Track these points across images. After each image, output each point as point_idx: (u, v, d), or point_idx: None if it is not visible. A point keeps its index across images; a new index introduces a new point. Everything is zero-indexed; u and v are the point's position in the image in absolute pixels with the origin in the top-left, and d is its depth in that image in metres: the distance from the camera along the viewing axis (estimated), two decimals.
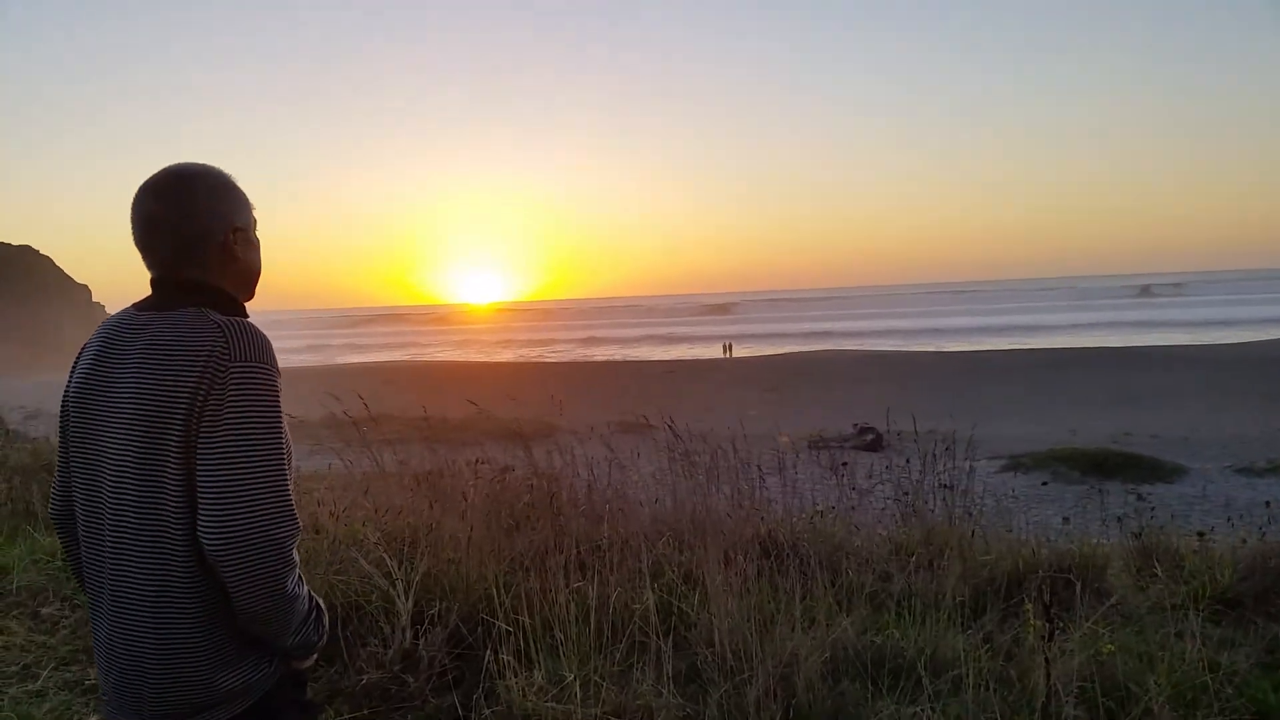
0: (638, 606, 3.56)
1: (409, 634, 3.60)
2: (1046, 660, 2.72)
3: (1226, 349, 35.07)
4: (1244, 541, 4.66)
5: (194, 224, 1.62)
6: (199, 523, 1.48)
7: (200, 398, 1.48)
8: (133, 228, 1.63)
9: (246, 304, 1.74)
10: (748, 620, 3.42)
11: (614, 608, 3.49)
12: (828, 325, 73.28)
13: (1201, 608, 3.58)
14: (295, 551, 1.56)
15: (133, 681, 1.55)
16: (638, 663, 3.31)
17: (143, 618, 1.54)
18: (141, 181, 1.63)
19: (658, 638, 3.33)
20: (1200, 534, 4.99)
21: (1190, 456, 13.66)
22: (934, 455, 5.42)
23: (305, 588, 1.64)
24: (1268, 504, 5.36)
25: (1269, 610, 3.81)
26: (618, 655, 3.34)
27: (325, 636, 1.73)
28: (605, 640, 3.39)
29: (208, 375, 1.49)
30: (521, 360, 51.03)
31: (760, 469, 4.89)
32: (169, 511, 1.50)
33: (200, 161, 1.68)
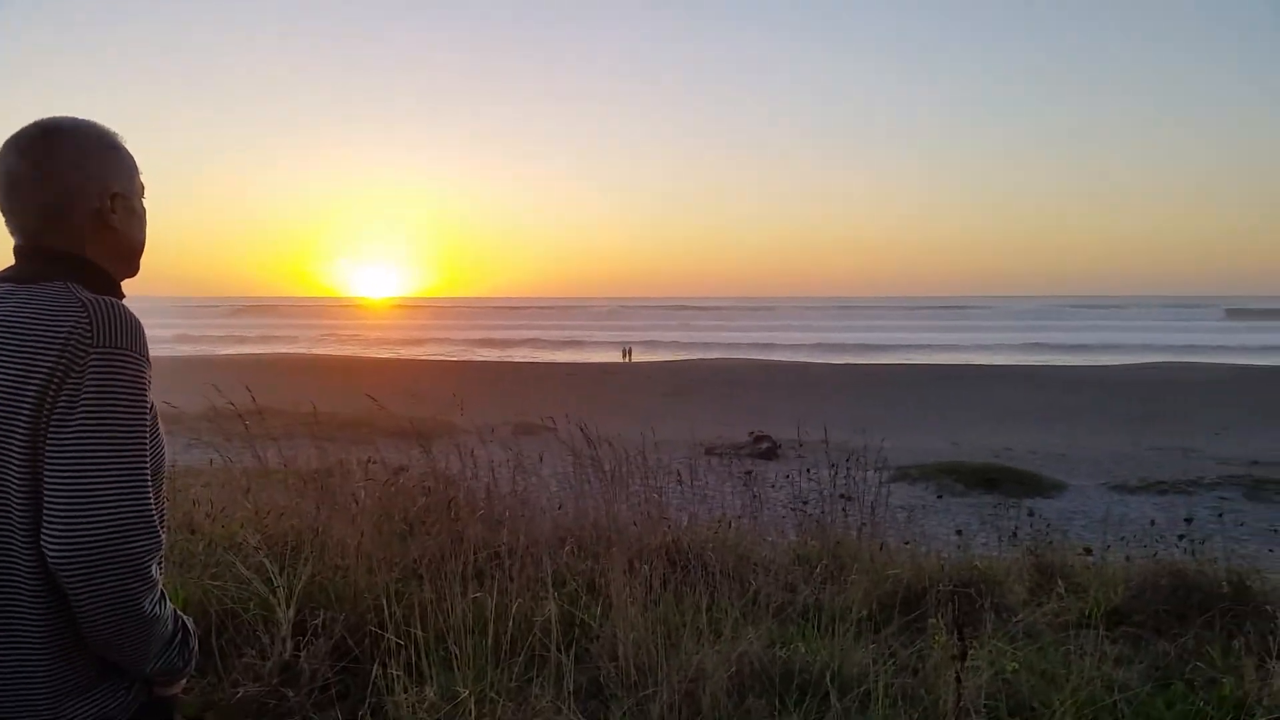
0: (538, 618, 3.40)
1: (290, 645, 3.35)
2: (958, 679, 2.68)
3: (1103, 371, 36.87)
4: (1128, 559, 4.80)
5: (63, 186, 1.40)
6: (43, 531, 1.26)
7: (54, 385, 1.26)
8: None
9: (125, 281, 1.52)
10: (652, 632, 3.30)
11: (513, 619, 3.32)
12: (724, 335, 74.17)
13: (1097, 624, 3.63)
14: (156, 568, 1.34)
15: None
16: (537, 677, 3.15)
17: None
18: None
19: (559, 650, 3.18)
20: (1086, 550, 5.13)
21: (1068, 473, 14.22)
22: (834, 466, 5.44)
23: (169, 607, 1.42)
24: (1153, 522, 5.55)
25: (1159, 628, 3.90)
26: (516, 669, 3.17)
27: (194, 660, 1.52)
28: (503, 653, 3.22)
29: (64, 360, 1.27)
30: (418, 358, 49.96)
31: (679, 474, 4.80)
32: (14, 516, 1.28)
33: (79, 116, 1.46)
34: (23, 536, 1.29)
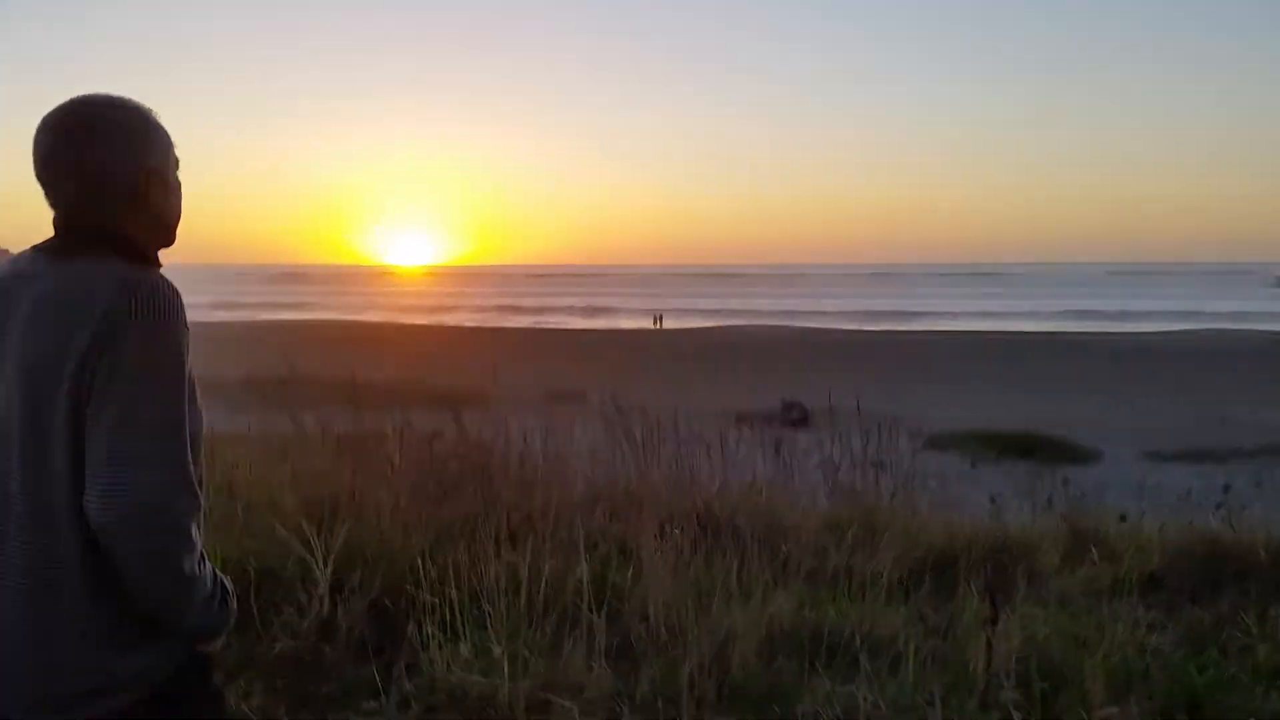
0: (570, 579, 3.44)
1: (327, 602, 3.42)
2: (989, 643, 2.69)
3: (1142, 338, 36.32)
4: (1160, 527, 4.76)
5: (97, 163, 1.42)
6: (85, 494, 1.30)
7: (94, 356, 1.29)
8: (34, 164, 1.43)
9: (163, 251, 1.54)
10: (683, 595, 3.33)
11: (546, 580, 3.36)
12: (755, 302, 73.80)
13: (1131, 591, 3.61)
14: (197, 529, 1.38)
15: (3, 665, 1.37)
16: (569, 636, 3.20)
17: (21, 592, 1.35)
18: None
19: (590, 611, 3.21)
20: (1122, 516, 5.08)
21: (1104, 441, 14.09)
22: (866, 434, 5.44)
23: (209, 567, 1.46)
24: (1190, 491, 5.49)
25: (1194, 595, 3.88)
26: (548, 629, 3.21)
27: (233, 619, 1.56)
28: (536, 613, 3.26)
29: (104, 330, 1.29)
30: (451, 325, 50.23)
31: (708, 442, 4.82)
32: (57, 480, 1.32)
33: (113, 93, 1.47)
34: (66, 499, 1.32)
